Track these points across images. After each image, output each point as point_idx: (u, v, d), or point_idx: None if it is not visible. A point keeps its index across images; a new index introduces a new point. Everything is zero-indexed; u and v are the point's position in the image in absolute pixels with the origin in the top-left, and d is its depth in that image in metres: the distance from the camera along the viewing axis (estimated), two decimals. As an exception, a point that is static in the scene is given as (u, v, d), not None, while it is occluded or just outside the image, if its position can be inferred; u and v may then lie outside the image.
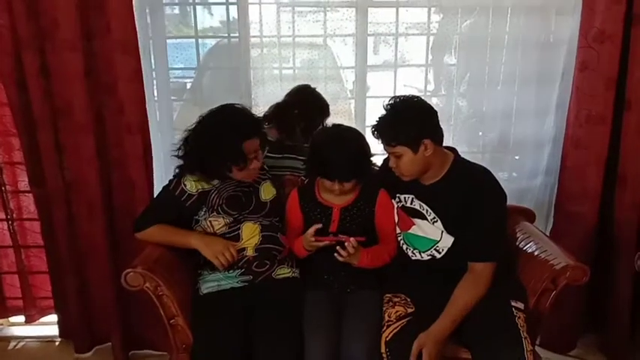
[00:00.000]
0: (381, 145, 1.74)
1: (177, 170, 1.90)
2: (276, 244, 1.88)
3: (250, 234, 1.85)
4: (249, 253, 1.84)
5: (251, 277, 1.83)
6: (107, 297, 2.33)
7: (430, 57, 2.53)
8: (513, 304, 1.66)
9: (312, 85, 2.32)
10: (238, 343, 1.65)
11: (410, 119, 1.65)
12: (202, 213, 1.86)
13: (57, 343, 2.52)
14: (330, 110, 2.29)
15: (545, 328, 2.42)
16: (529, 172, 2.50)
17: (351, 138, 1.80)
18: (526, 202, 2.36)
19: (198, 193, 1.84)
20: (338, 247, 1.74)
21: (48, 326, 2.59)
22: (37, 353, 2.50)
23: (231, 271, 1.83)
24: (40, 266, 2.48)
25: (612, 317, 2.31)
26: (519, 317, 1.62)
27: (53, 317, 2.54)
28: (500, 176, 2.49)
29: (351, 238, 1.73)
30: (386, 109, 1.69)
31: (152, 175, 2.25)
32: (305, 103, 2.24)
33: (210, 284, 1.83)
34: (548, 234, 2.33)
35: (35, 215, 2.36)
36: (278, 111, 2.26)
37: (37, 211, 2.33)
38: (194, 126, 1.84)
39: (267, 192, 1.96)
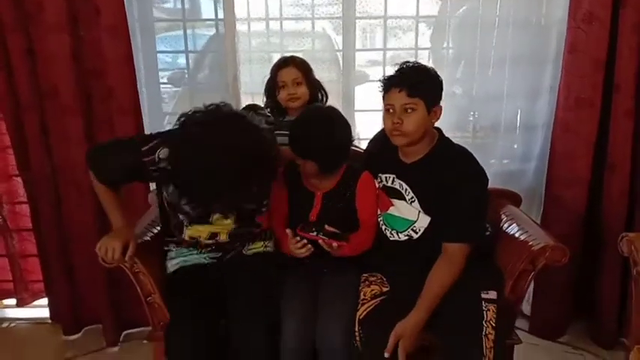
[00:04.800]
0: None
1: (158, 137, 1.61)
2: (252, 225, 1.81)
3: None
4: (223, 238, 1.76)
5: (220, 254, 1.78)
6: (97, 279, 2.33)
7: (429, 44, 2.54)
8: (484, 295, 1.58)
9: None
10: (208, 319, 1.61)
11: (435, 76, 1.69)
12: (170, 191, 1.69)
13: (47, 325, 2.53)
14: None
15: (535, 315, 2.41)
16: (522, 156, 2.46)
17: (326, 119, 1.76)
18: (519, 186, 2.28)
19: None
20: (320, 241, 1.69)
21: (41, 309, 2.60)
22: (26, 335, 2.52)
23: (196, 249, 1.77)
24: (32, 249, 2.49)
25: (601, 304, 2.29)
26: (489, 310, 1.55)
27: (46, 300, 2.55)
28: (492, 162, 2.48)
29: (335, 244, 1.67)
30: (406, 65, 1.69)
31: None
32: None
33: (175, 261, 1.77)
34: (539, 219, 2.33)
35: (25, 198, 2.37)
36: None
37: (26, 195, 2.34)
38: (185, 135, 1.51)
39: None
